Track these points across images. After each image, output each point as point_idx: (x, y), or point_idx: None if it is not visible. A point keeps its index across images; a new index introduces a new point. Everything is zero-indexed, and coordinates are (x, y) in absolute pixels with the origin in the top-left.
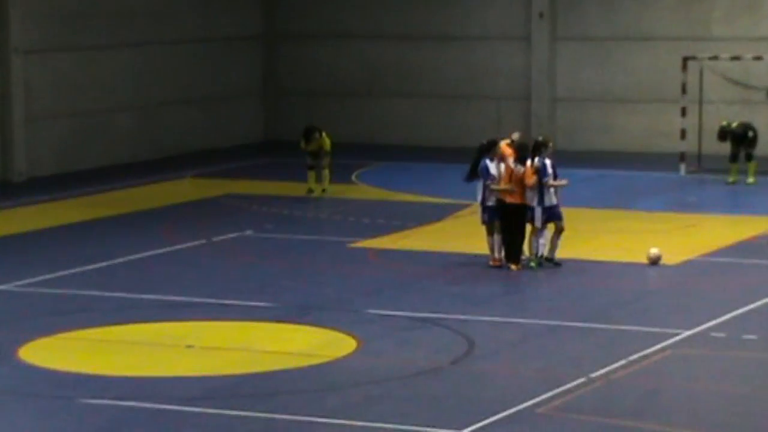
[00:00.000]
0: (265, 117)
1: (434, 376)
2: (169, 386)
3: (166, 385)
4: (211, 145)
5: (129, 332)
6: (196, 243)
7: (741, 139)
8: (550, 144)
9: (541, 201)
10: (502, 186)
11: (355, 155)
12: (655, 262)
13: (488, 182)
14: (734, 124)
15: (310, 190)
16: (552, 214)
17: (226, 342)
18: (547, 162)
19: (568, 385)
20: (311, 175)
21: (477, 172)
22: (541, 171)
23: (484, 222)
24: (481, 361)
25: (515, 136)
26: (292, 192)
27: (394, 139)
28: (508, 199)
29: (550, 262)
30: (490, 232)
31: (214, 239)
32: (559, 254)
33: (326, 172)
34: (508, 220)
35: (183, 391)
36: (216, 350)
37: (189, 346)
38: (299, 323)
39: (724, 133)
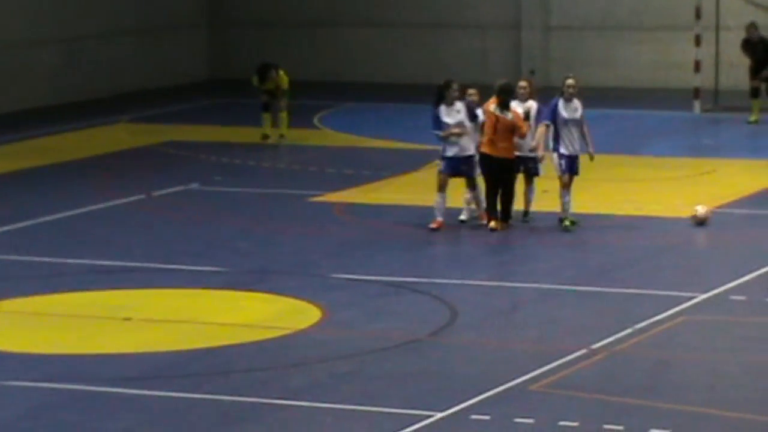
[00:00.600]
0: (211, 51)
1: (411, 350)
2: (104, 365)
3: (100, 363)
4: (149, 84)
5: (56, 303)
6: (134, 198)
7: (763, 61)
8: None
9: (557, 147)
10: (456, 130)
11: (317, 95)
12: (702, 222)
13: (436, 132)
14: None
15: (266, 136)
16: (573, 165)
17: (170, 313)
18: (533, 105)
19: (566, 359)
20: (266, 118)
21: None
22: (556, 114)
23: (441, 172)
24: (465, 333)
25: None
26: (244, 138)
27: (363, 76)
28: (495, 153)
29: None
30: (440, 186)
31: (155, 194)
32: (552, 207)
33: (284, 115)
34: (494, 176)
35: (120, 370)
36: (158, 323)
37: (126, 319)
38: (255, 290)
39: (748, 43)
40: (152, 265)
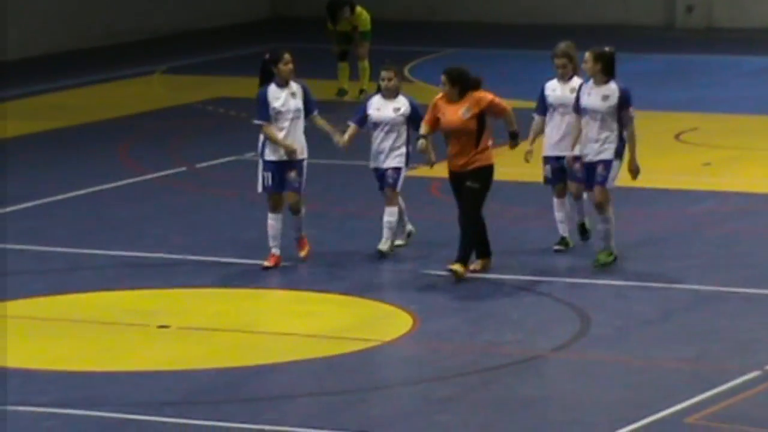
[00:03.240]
0: None
1: (529, 369)
2: (133, 386)
3: (128, 384)
4: (191, 24)
5: (73, 306)
6: (171, 171)
7: None
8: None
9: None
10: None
11: (408, 37)
12: None
13: (260, 122)
14: None
15: (342, 91)
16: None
17: (217, 320)
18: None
19: (732, 383)
20: (342, 68)
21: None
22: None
23: (265, 190)
24: (600, 347)
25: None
26: (315, 93)
27: (465, 14)
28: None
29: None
30: (274, 207)
31: (198, 165)
32: (714, 185)
33: (365, 64)
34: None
35: (154, 393)
36: (202, 332)
37: (162, 327)
38: (327, 291)
39: None
40: (195, 257)
